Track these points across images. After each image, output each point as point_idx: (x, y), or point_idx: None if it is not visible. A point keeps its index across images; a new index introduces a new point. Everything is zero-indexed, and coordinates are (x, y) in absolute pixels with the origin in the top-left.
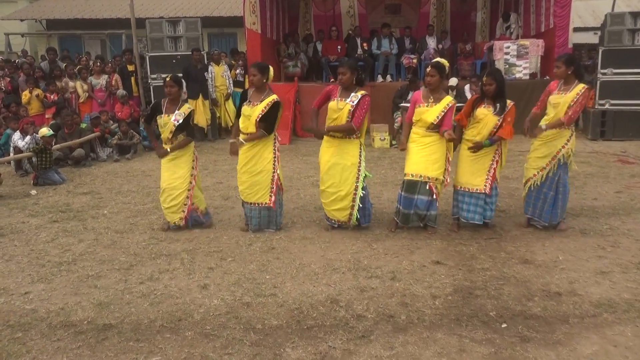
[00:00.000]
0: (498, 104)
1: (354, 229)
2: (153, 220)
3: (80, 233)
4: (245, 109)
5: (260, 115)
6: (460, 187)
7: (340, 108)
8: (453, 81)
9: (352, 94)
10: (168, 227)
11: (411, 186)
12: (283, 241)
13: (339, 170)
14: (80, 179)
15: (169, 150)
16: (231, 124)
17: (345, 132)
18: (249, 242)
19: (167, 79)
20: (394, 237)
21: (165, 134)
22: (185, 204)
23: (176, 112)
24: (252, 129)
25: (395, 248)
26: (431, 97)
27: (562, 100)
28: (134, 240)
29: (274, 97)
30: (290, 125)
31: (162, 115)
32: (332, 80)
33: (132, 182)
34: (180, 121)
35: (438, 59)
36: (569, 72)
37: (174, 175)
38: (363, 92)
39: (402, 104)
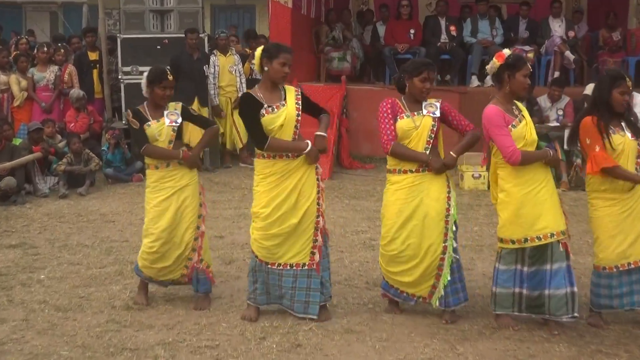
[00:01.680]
0: (625, 121)
1: (427, 317)
2: (115, 293)
3: (3, 309)
4: (271, 118)
5: (299, 112)
6: (629, 264)
7: (418, 125)
8: (589, 89)
9: (425, 104)
10: (146, 301)
11: (539, 253)
12: (315, 335)
13: (420, 222)
14: (7, 222)
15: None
16: (240, 146)
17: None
18: (260, 335)
19: (166, 75)
20: (491, 335)
21: (164, 145)
22: (190, 258)
23: (165, 112)
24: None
25: (494, 356)
26: (514, 106)
27: None
28: (83, 323)
29: (291, 87)
30: (332, 150)
31: (150, 123)
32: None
33: (85, 231)
34: (179, 121)
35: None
36: None
37: (180, 214)
38: (433, 99)
39: None
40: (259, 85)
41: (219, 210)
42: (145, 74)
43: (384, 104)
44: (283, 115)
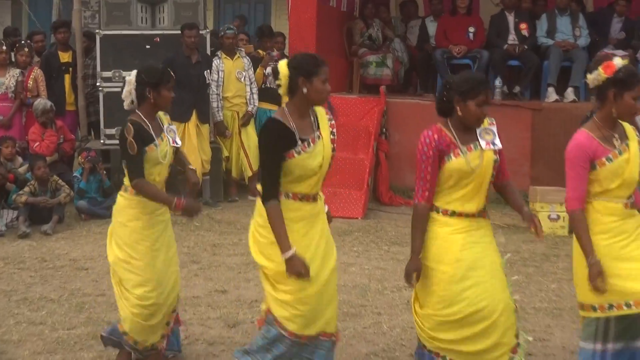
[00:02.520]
0: None
1: None
2: None
3: None
4: (304, 159)
5: (334, 146)
6: None
7: (476, 165)
8: None
9: (481, 131)
10: None
11: (628, 324)
12: None
13: (489, 271)
14: None
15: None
16: (250, 174)
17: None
18: None
19: (170, 73)
20: None
21: (164, 172)
22: (173, 312)
23: (165, 127)
24: (318, 188)
25: None
26: (615, 135)
27: None
28: None
29: (321, 109)
30: (368, 181)
31: (158, 142)
32: None
33: (50, 281)
34: (179, 143)
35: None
36: None
37: (169, 253)
38: (488, 119)
39: None
40: (289, 108)
41: (222, 257)
42: (136, 75)
43: (426, 139)
44: (320, 154)
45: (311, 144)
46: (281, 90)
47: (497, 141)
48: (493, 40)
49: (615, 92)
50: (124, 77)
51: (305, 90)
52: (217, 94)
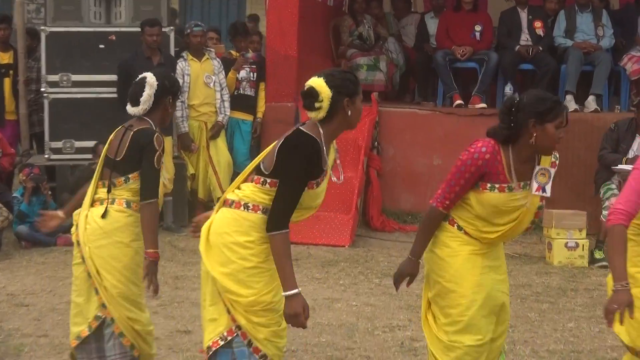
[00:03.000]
0: None
1: None
2: None
3: None
4: (321, 191)
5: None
6: None
7: (521, 204)
8: None
9: (538, 171)
10: None
11: None
12: None
13: (500, 302)
14: None
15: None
16: (220, 195)
17: None
18: None
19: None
20: None
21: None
22: None
23: None
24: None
25: None
26: None
27: None
28: None
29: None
30: (357, 203)
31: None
32: (457, 102)
33: None
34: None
35: None
36: None
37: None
38: (553, 155)
39: (619, 167)
40: (324, 132)
41: (185, 292)
42: (159, 80)
43: (476, 153)
44: (324, 190)
45: (324, 177)
46: (319, 114)
47: (549, 188)
48: (503, 40)
49: None
50: (73, 82)
51: (349, 112)
52: (181, 102)
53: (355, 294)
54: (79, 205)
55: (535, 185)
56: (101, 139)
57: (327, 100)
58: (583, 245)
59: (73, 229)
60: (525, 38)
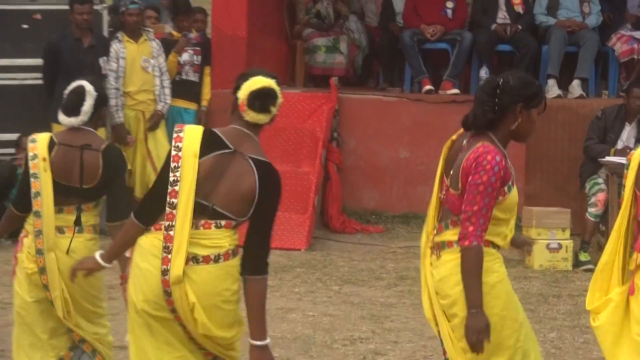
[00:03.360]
0: None
1: None
2: None
3: None
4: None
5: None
6: None
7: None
8: None
9: None
10: None
11: None
12: None
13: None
14: None
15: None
16: None
17: None
18: None
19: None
20: None
21: None
22: None
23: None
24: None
25: None
26: None
27: None
28: None
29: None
30: (314, 201)
31: None
32: (427, 88)
33: None
34: None
35: None
36: None
37: None
38: None
39: (606, 159)
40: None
41: (120, 302)
42: (96, 89)
43: (495, 166)
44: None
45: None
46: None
47: None
48: (478, 18)
49: None
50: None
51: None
52: (115, 88)
53: (312, 303)
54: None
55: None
56: (25, 130)
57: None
58: (567, 247)
59: (33, 252)
60: (502, 16)
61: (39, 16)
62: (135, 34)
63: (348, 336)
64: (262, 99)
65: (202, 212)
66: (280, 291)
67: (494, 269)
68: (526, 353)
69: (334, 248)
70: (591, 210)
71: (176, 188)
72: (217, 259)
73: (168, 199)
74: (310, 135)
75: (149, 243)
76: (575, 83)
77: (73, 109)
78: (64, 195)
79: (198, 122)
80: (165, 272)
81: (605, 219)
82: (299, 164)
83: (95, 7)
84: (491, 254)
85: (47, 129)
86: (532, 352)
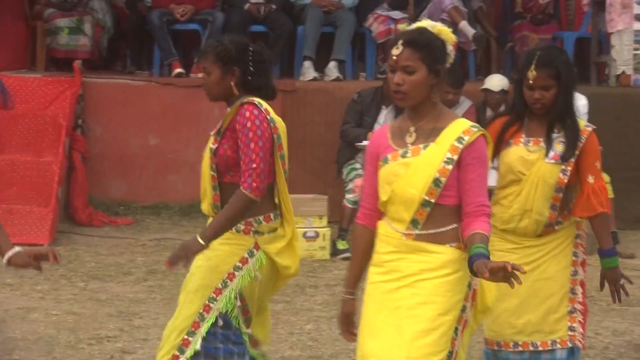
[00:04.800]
0: (558, 133)
1: None
2: None
3: None
4: None
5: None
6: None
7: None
8: (496, 83)
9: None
10: None
11: None
12: None
13: None
14: None
15: None
16: None
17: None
18: None
19: None
20: None
21: None
22: None
23: None
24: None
25: None
26: (412, 128)
27: None
28: None
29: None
30: (58, 193)
31: None
32: (177, 71)
33: None
34: None
35: (432, 24)
36: None
37: None
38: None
39: (363, 143)
40: None
41: None
42: None
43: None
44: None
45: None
46: None
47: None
48: None
49: None
50: None
51: None
52: None
53: (55, 301)
54: None
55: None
56: None
57: None
58: (324, 235)
59: None
60: None
61: None
62: None
63: (94, 335)
64: None
65: None
66: (20, 290)
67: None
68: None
69: (79, 242)
70: (349, 196)
71: None
72: None
73: None
74: (52, 122)
75: None
76: (332, 65)
77: None
78: None
79: None
80: None
81: None
82: (41, 154)
83: None
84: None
85: None
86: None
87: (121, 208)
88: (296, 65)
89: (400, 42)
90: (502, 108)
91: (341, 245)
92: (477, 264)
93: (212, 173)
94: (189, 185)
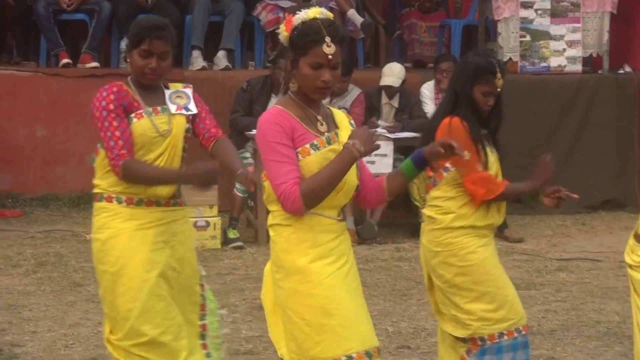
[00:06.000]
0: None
1: None
2: None
3: None
4: None
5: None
6: None
7: (166, 130)
8: (392, 75)
9: (171, 93)
10: None
11: None
12: None
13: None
14: None
15: None
16: None
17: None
18: None
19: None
20: None
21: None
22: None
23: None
24: None
25: None
26: (319, 117)
27: None
28: None
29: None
30: None
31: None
32: (65, 61)
33: None
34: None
35: (324, 11)
36: None
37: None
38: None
39: (253, 132)
40: None
41: None
42: None
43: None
44: None
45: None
46: None
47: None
48: None
49: (293, 59)
50: None
51: None
52: None
53: None
54: None
55: (173, 107)
56: None
57: None
58: (215, 224)
59: None
60: None
61: None
62: None
63: None
64: None
65: None
66: None
67: (109, 225)
68: (149, 316)
69: None
70: (238, 185)
71: None
72: None
73: None
74: None
75: None
76: (221, 54)
77: None
78: None
79: None
80: None
81: (255, 194)
82: None
83: None
84: (106, 210)
85: None
86: (162, 321)
87: (9, 200)
88: (185, 55)
89: (330, 39)
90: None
91: (232, 234)
92: (424, 150)
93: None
94: (78, 177)
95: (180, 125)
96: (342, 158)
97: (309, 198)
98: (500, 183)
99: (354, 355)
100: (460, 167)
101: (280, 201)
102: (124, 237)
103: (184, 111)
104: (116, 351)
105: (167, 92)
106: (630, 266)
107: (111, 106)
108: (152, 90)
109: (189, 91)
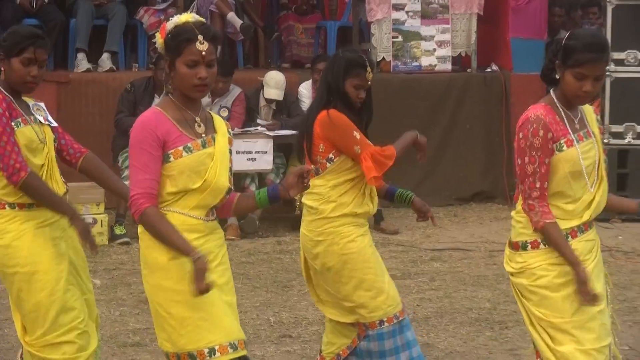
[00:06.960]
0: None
1: None
2: None
3: None
4: None
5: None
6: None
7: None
8: (277, 88)
9: (32, 105)
10: None
11: None
12: None
13: None
14: None
15: None
16: None
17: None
18: None
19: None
20: None
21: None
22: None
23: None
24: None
25: None
26: (197, 119)
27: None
28: None
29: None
30: None
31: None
32: None
33: None
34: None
35: (196, 17)
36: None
37: None
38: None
39: None
40: None
41: None
42: None
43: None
44: None
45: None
46: None
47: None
48: None
49: (170, 62)
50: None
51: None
52: None
53: None
54: None
55: (40, 117)
56: None
57: None
58: (102, 221)
59: None
60: None
61: None
62: None
63: None
64: None
65: None
66: None
67: (9, 229)
68: (69, 305)
69: None
70: (125, 183)
71: None
72: None
73: None
74: None
75: None
76: (105, 56)
77: None
78: None
79: None
80: None
81: None
82: None
83: None
84: (1, 216)
85: None
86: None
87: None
88: (70, 57)
89: (202, 37)
90: None
91: (119, 230)
92: (280, 189)
93: None
94: None
95: (50, 136)
96: (185, 247)
97: (144, 224)
98: (388, 149)
99: (216, 347)
100: (352, 147)
101: (129, 205)
102: (27, 237)
103: (48, 123)
104: (40, 351)
105: (30, 104)
106: (512, 274)
107: (3, 119)
108: (20, 99)
109: (43, 105)
